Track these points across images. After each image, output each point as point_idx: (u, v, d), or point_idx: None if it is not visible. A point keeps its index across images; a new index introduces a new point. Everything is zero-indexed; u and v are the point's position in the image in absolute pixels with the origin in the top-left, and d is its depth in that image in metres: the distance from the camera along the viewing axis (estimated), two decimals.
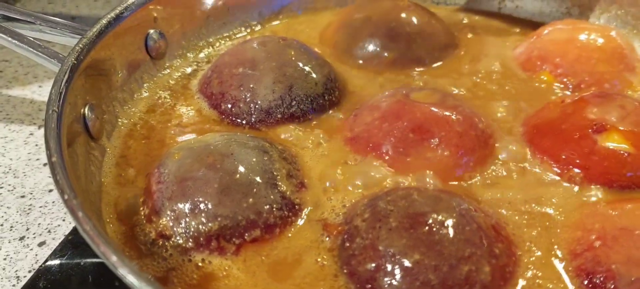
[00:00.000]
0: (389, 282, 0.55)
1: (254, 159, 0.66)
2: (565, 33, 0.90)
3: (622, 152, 0.68)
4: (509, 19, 1.04)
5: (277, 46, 0.84)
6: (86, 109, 0.70)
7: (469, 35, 0.99)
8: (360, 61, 0.93)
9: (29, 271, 0.71)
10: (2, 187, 0.84)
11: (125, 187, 0.69)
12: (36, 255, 0.74)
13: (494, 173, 0.71)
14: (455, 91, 0.85)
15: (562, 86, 0.85)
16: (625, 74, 0.86)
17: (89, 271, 0.70)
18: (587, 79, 0.85)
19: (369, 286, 0.56)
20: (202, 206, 0.61)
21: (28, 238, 0.76)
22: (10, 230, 0.77)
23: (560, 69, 0.86)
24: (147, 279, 0.44)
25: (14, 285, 0.70)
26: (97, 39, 0.75)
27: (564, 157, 0.71)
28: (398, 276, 0.55)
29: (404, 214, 0.59)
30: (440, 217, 0.58)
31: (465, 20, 1.05)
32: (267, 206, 0.63)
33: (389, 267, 0.55)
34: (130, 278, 0.44)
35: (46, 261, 0.72)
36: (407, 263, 0.55)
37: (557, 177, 0.70)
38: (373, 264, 0.56)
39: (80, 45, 0.72)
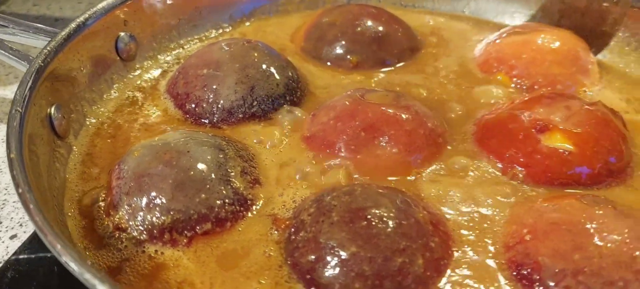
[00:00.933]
0: (326, 272, 0.58)
1: (209, 157, 0.70)
2: (521, 36, 0.93)
3: (563, 151, 0.72)
4: (473, 22, 1.07)
5: (241, 48, 0.87)
6: (52, 109, 0.74)
7: (433, 38, 1.02)
8: (328, 63, 0.96)
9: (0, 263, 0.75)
10: None
11: (88, 183, 0.72)
12: (7, 247, 0.77)
13: (441, 171, 0.74)
14: (415, 91, 0.89)
15: (516, 87, 0.89)
16: (578, 75, 0.89)
17: (55, 263, 0.74)
18: (541, 81, 0.88)
19: (309, 276, 0.59)
20: (156, 200, 0.65)
21: (1, 231, 0.80)
22: None
23: (515, 70, 0.89)
24: (87, 267, 0.47)
25: None
26: (65, 42, 0.79)
27: (508, 155, 0.74)
28: (335, 267, 0.58)
29: (346, 209, 0.62)
30: (379, 212, 0.61)
31: (431, 22, 1.08)
32: (219, 202, 0.66)
33: (328, 258, 0.59)
34: (72, 266, 0.48)
35: (15, 253, 0.75)
36: (343, 255, 0.58)
37: (501, 175, 0.73)
38: (313, 256, 0.60)
39: (48, 48, 0.76)
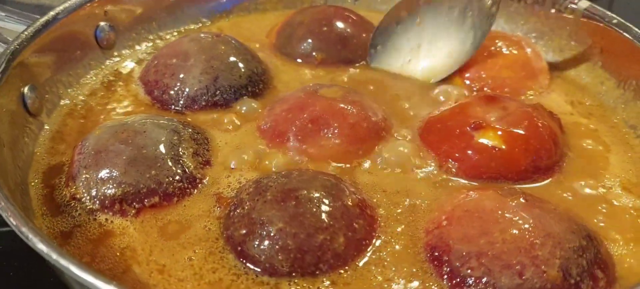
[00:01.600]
0: (253, 245, 0.64)
1: (163, 138, 0.76)
2: None
3: (493, 147, 0.77)
4: None
5: (210, 41, 0.93)
6: (26, 89, 0.80)
7: None
8: (297, 60, 1.02)
9: None
10: None
11: (54, 157, 0.79)
12: None
13: (381, 162, 0.79)
14: (371, 88, 0.94)
15: (468, 88, 0.94)
16: (526, 80, 0.94)
17: None
18: (490, 83, 0.93)
19: (240, 248, 0.65)
20: (110, 174, 0.71)
21: None
22: None
23: (467, 73, 0.94)
24: (14, 212, 0.54)
25: None
26: (43, 28, 0.86)
27: (444, 150, 0.79)
28: (262, 241, 0.64)
29: (280, 189, 0.68)
30: (308, 193, 0.67)
31: None
32: (168, 178, 0.72)
33: (257, 232, 0.65)
34: (11, 220, 0.55)
35: None
36: (271, 230, 0.64)
37: (435, 169, 0.78)
38: (244, 230, 0.66)
39: (25, 33, 0.83)
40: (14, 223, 0.54)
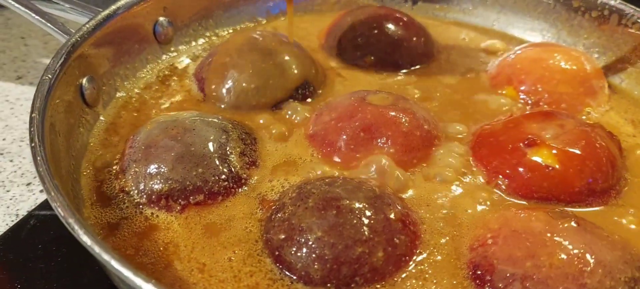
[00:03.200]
0: (291, 251, 0.64)
1: (212, 136, 0.76)
2: (535, 53, 0.95)
3: (547, 166, 0.74)
4: (498, 36, 1.09)
5: (265, 41, 0.93)
6: (84, 80, 0.83)
7: (452, 48, 1.06)
8: (344, 62, 1.01)
9: (27, 211, 0.85)
10: (22, 141, 0.98)
11: (107, 149, 0.81)
12: (36, 199, 0.88)
13: (429, 173, 0.77)
14: (420, 95, 0.93)
15: (522, 102, 0.91)
16: (584, 96, 0.90)
17: None
18: (546, 98, 0.90)
19: (277, 253, 0.65)
20: (158, 169, 0.72)
21: (33, 184, 0.90)
22: (21, 177, 0.91)
23: (523, 86, 0.91)
24: (62, 203, 0.56)
25: (13, 220, 0.83)
26: (104, 22, 0.88)
27: (494, 165, 0.77)
28: (300, 248, 0.64)
29: (322, 197, 0.67)
30: (350, 203, 0.66)
31: (456, 33, 1.11)
32: (214, 177, 0.73)
33: (295, 238, 0.64)
34: (59, 210, 0.56)
35: (40, 204, 0.85)
36: (309, 238, 0.64)
37: (485, 184, 0.76)
38: (283, 235, 0.65)
39: (87, 26, 0.85)
40: (62, 214, 0.56)
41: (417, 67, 0.99)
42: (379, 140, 0.78)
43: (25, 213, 0.84)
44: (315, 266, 0.62)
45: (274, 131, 0.84)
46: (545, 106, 0.88)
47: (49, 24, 0.88)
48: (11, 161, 0.94)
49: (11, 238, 0.80)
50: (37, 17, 0.88)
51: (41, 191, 0.89)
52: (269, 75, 0.89)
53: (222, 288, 0.63)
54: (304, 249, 0.63)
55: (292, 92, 0.90)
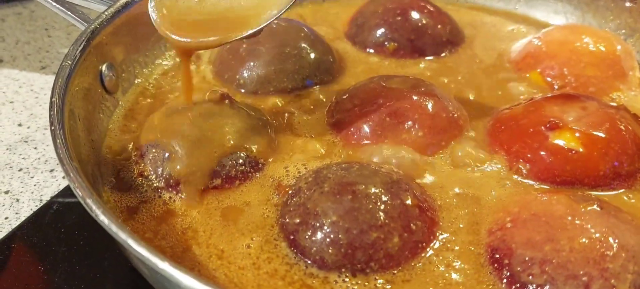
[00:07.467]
0: (306, 235, 0.63)
1: (230, 120, 0.76)
2: (561, 35, 0.93)
3: (570, 150, 0.72)
4: (521, 19, 1.07)
5: (281, 28, 0.93)
6: (104, 67, 0.83)
7: (476, 33, 1.04)
8: (367, 49, 1.00)
9: (51, 197, 0.86)
10: (46, 129, 1.00)
11: (126, 134, 0.82)
12: (59, 185, 0.89)
13: (449, 158, 0.76)
14: (444, 81, 0.91)
15: (548, 86, 0.89)
16: (613, 80, 0.88)
17: None
18: (573, 81, 0.88)
19: (292, 237, 0.65)
20: (176, 154, 0.73)
21: (57, 171, 0.92)
22: (45, 163, 0.93)
23: (549, 69, 0.89)
24: (81, 184, 0.56)
25: (36, 205, 0.85)
26: (123, 9, 0.88)
27: (515, 149, 0.75)
28: (314, 232, 0.63)
29: (338, 182, 0.66)
30: (366, 189, 0.65)
31: (479, 18, 1.09)
32: (231, 161, 0.73)
33: (310, 223, 0.64)
34: (77, 191, 0.57)
35: (63, 190, 0.86)
36: (324, 222, 0.63)
37: (504, 169, 0.74)
38: (298, 220, 0.65)
39: (106, 13, 0.86)
40: (80, 194, 0.56)
41: (441, 54, 0.98)
42: (406, 123, 0.77)
43: (48, 199, 0.86)
44: (330, 251, 0.62)
45: (291, 115, 0.84)
46: (571, 91, 0.85)
47: (69, 13, 0.88)
48: (35, 148, 0.96)
49: (35, 222, 0.81)
50: (57, 5, 0.89)
51: (64, 177, 0.90)
52: (286, 60, 0.89)
53: (242, 275, 0.63)
54: (319, 234, 0.63)
55: (310, 77, 0.89)
